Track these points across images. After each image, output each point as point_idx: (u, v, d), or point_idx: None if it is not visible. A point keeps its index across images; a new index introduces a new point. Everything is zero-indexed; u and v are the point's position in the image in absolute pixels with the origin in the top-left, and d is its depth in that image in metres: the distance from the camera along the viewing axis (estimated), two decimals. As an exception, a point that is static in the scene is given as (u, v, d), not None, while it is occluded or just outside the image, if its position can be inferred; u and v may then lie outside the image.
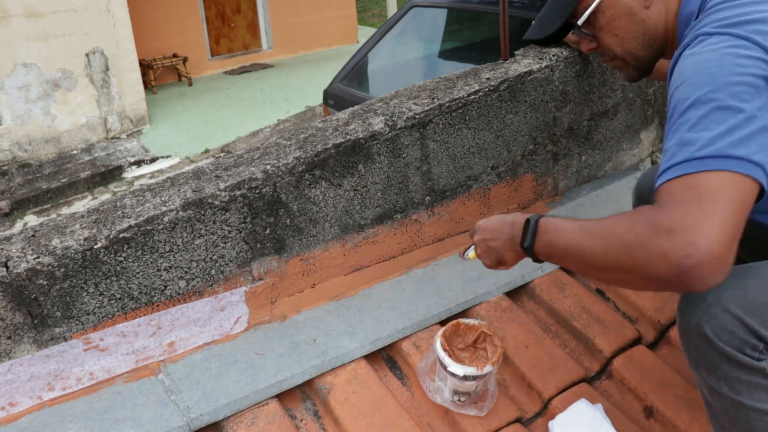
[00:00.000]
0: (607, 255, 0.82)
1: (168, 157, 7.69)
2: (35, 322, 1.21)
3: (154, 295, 1.32)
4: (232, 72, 10.66)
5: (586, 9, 1.06)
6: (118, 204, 1.33)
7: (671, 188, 0.79)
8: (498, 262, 1.10)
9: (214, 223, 1.34)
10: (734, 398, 0.90)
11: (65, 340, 1.25)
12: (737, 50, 0.83)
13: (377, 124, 1.52)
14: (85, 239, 1.22)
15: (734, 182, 0.76)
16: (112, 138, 8.19)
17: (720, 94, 0.80)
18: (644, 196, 1.29)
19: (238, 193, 1.35)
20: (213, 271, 1.38)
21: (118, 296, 1.28)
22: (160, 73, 9.67)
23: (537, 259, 0.98)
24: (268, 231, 1.42)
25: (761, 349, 0.86)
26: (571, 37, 1.16)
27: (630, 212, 0.83)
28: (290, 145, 1.48)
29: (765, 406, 0.89)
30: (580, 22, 1.07)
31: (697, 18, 0.96)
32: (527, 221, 0.98)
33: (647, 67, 1.12)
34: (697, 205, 0.74)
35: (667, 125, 0.86)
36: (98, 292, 1.25)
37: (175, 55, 9.95)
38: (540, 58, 1.75)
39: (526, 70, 1.69)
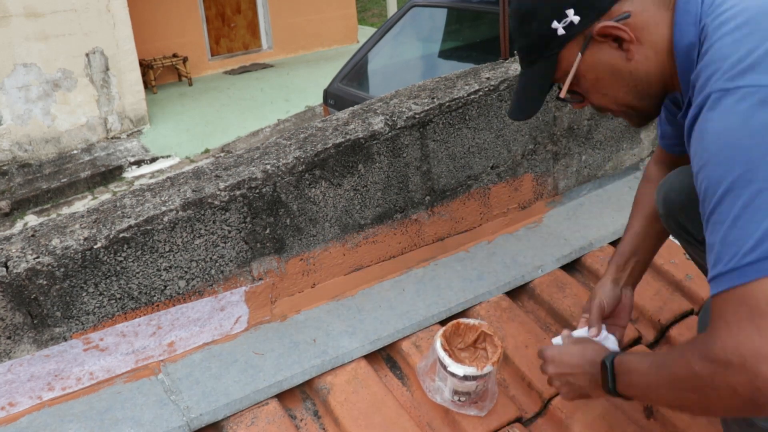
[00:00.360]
0: (682, 398, 0.79)
1: (168, 157, 7.69)
2: (35, 322, 1.21)
3: (154, 295, 1.32)
4: (232, 72, 10.67)
5: (565, 76, 0.94)
6: (118, 204, 1.33)
7: (722, 305, 0.71)
8: (581, 396, 1.07)
9: (213, 222, 1.34)
10: None
11: (65, 340, 1.25)
12: (764, 110, 0.70)
13: (377, 123, 1.52)
14: (85, 239, 1.22)
15: None
16: (112, 138, 8.19)
17: (759, 173, 0.69)
18: (673, 210, 1.16)
19: (238, 192, 1.35)
20: (213, 271, 1.38)
21: (118, 296, 1.28)
22: (160, 73, 9.67)
23: (627, 398, 0.95)
24: (268, 231, 1.42)
25: None
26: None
27: (686, 346, 0.78)
28: (290, 144, 1.48)
29: None
30: (562, 95, 0.97)
31: (699, 52, 0.83)
32: (603, 364, 0.95)
33: (651, 112, 1.01)
34: (751, 325, 0.67)
35: (702, 209, 0.77)
36: (98, 292, 1.25)
37: (175, 55, 9.95)
38: (540, 58, 1.75)
39: (526, 69, 1.69)
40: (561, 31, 0.91)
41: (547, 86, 0.99)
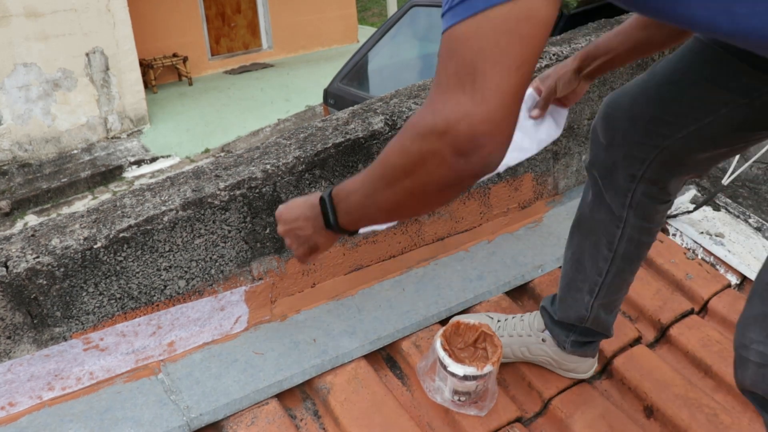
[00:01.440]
0: (397, 193, 0.70)
1: (168, 156, 7.69)
2: (35, 321, 1.21)
3: (154, 295, 1.32)
4: (232, 72, 10.67)
5: None
6: (118, 204, 1.33)
7: (439, 61, 0.64)
8: (311, 250, 0.97)
9: (213, 222, 1.34)
10: None
11: (65, 339, 1.25)
12: None
13: (377, 123, 1.52)
14: (85, 239, 1.22)
15: (491, 21, 0.60)
16: (112, 138, 8.19)
17: None
18: (620, 116, 1.12)
19: (238, 192, 1.35)
20: (213, 271, 1.38)
21: (118, 296, 1.28)
22: (160, 73, 9.67)
23: (350, 233, 0.86)
24: (268, 230, 1.42)
25: None
26: None
27: (398, 134, 0.70)
28: (290, 144, 1.48)
29: None
30: None
31: None
32: (321, 199, 0.86)
33: None
34: (457, 81, 0.62)
35: None
36: (98, 292, 1.25)
37: (175, 55, 9.95)
38: (540, 58, 1.75)
39: (526, 69, 1.68)
40: None
41: None
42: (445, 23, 0.65)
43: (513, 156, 1.19)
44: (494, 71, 0.61)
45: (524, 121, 1.24)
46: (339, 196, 0.84)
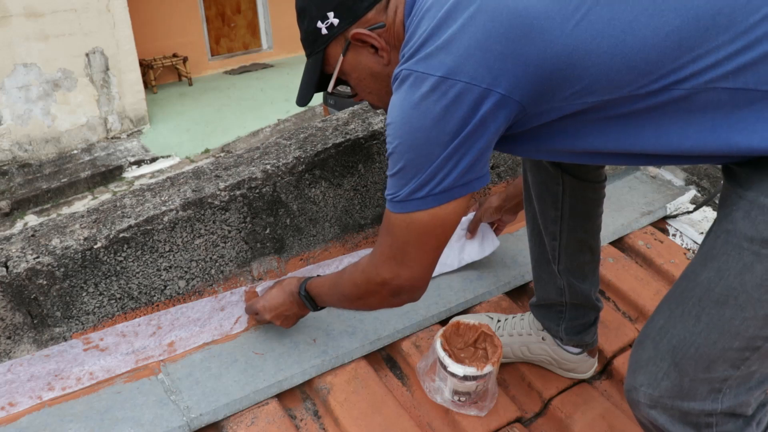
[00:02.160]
0: (354, 305, 1.11)
1: (168, 156, 7.69)
2: (35, 322, 1.21)
3: (154, 295, 1.32)
4: (232, 72, 10.67)
5: (332, 72, 1.04)
6: (118, 204, 1.33)
7: (382, 226, 0.98)
8: (297, 318, 1.32)
9: (213, 222, 1.34)
10: None
11: (65, 340, 1.25)
12: (412, 91, 0.85)
13: (377, 123, 1.52)
14: (85, 239, 1.22)
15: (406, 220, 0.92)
16: (112, 138, 8.19)
17: (405, 146, 0.88)
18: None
19: (238, 192, 1.35)
20: (213, 271, 1.38)
21: (118, 296, 1.28)
22: (160, 73, 9.68)
23: (319, 309, 1.26)
24: (268, 231, 1.42)
25: (714, 423, 0.86)
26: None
27: (353, 271, 1.06)
28: (290, 144, 1.48)
29: None
30: (329, 89, 1.07)
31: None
32: (300, 294, 1.24)
33: None
34: (389, 257, 0.97)
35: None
36: (98, 292, 1.25)
37: (175, 55, 9.95)
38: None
39: (526, 69, 1.69)
40: (324, 31, 0.99)
41: (315, 78, 1.06)
42: (387, 205, 0.94)
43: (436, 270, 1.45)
44: (416, 253, 0.94)
45: (454, 242, 1.58)
46: (312, 293, 1.22)
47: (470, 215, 1.60)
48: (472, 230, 1.58)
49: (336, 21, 0.97)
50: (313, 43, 1.02)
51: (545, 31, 0.79)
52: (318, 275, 1.25)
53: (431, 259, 0.95)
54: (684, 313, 0.85)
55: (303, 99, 1.10)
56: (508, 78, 0.80)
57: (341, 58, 1.01)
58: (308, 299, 1.22)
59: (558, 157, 0.97)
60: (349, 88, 1.09)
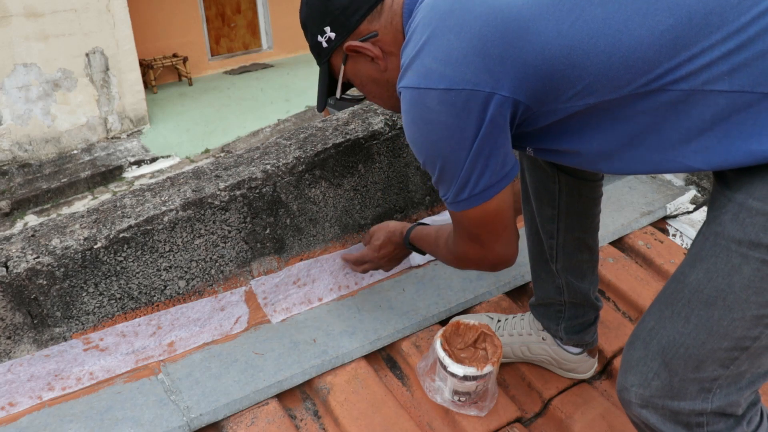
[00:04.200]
0: (451, 264, 1.16)
1: (168, 156, 7.69)
2: (35, 322, 1.21)
3: (154, 295, 1.32)
4: (232, 72, 10.67)
5: (338, 81, 1.09)
6: (118, 204, 1.33)
7: (457, 222, 1.04)
8: (397, 264, 1.43)
9: (213, 222, 1.34)
10: None
11: (65, 340, 1.25)
12: (414, 108, 0.90)
13: (377, 123, 1.52)
14: (85, 239, 1.22)
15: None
16: (112, 138, 8.19)
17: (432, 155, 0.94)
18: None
19: (238, 192, 1.35)
20: (213, 271, 1.38)
21: (118, 296, 1.28)
22: (160, 73, 9.68)
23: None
24: (268, 231, 1.42)
25: (705, 422, 0.87)
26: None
27: (445, 244, 1.13)
28: (290, 144, 1.48)
29: None
30: (338, 95, 1.13)
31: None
32: (404, 242, 1.33)
33: None
34: (472, 239, 1.02)
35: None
36: (98, 292, 1.25)
37: (175, 55, 9.95)
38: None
39: (526, 69, 1.69)
40: (324, 44, 1.05)
41: (325, 86, 1.12)
42: (449, 206, 0.99)
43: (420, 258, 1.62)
44: (489, 237, 1.00)
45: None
46: (415, 242, 1.30)
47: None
48: None
49: (333, 35, 1.02)
50: (318, 54, 1.08)
51: (540, 32, 0.81)
52: (418, 224, 1.32)
53: (507, 234, 1.00)
54: (674, 314, 0.86)
55: (320, 105, 1.17)
56: (509, 80, 0.83)
57: (342, 68, 1.06)
58: (414, 248, 1.32)
59: (565, 159, 0.99)
60: (358, 93, 1.16)
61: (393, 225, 1.39)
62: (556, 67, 0.82)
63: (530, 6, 0.82)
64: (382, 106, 1.15)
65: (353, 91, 1.19)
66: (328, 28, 1.02)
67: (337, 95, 1.12)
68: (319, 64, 1.11)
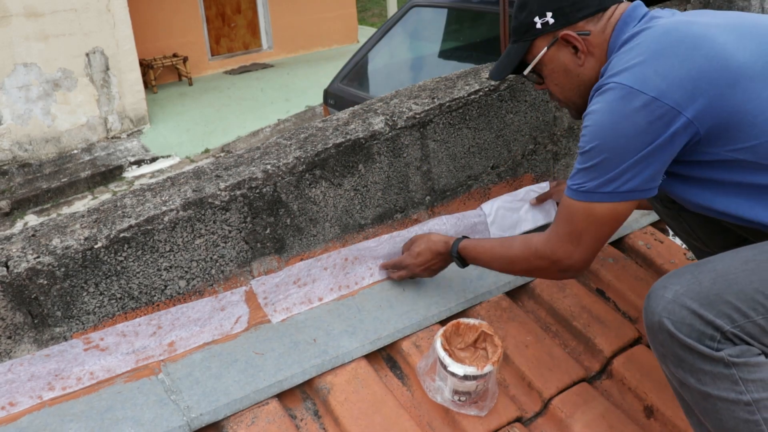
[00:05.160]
0: (511, 272, 1.32)
1: (168, 156, 7.68)
2: (35, 321, 1.21)
3: (155, 295, 1.32)
4: (232, 72, 10.65)
5: (533, 60, 1.22)
6: (119, 204, 1.33)
7: (563, 210, 1.15)
8: (436, 273, 1.51)
9: (214, 222, 1.34)
10: (701, 389, 0.96)
11: (65, 339, 1.25)
12: (622, 102, 1.02)
13: (377, 123, 1.52)
14: (86, 239, 1.22)
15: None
16: (112, 138, 8.18)
17: (607, 146, 1.04)
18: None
19: (238, 192, 1.35)
20: (213, 271, 1.38)
21: (119, 296, 1.28)
22: (160, 73, 9.67)
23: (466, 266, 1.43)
24: (268, 231, 1.42)
25: (719, 338, 0.93)
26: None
27: (525, 247, 1.22)
28: (290, 144, 1.48)
29: (729, 395, 0.93)
30: (525, 72, 1.25)
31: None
32: (451, 255, 1.42)
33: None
34: (571, 237, 1.13)
35: (580, 147, 1.09)
36: (98, 292, 1.25)
37: (175, 55, 9.94)
38: (540, 58, 1.75)
39: (526, 69, 1.69)
40: (539, 26, 1.18)
41: (516, 61, 1.25)
42: (569, 194, 1.10)
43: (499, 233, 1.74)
44: (590, 240, 1.11)
45: (518, 210, 1.75)
46: (466, 255, 1.38)
47: (543, 185, 1.79)
48: (540, 200, 1.74)
49: (552, 20, 1.16)
50: (524, 33, 1.21)
51: (747, 90, 0.97)
52: (466, 237, 1.42)
53: (600, 246, 1.12)
54: (736, 255, 1.00)
55: (499, 74, 1.30)
56: (704, 115, 0.98)
57: (545, 50, 1.19)
58: (459, 259, 1.40)
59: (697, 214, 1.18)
60: (535, 76, 1.27)
61: (435, 236, 1.47)
62: (744, 120, 0.97)
63: (751, 66, 0.98)
64: (556, 94, 1.26)
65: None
66: (550, 14, 1.16)
67: (525, 72, 1.24)
68: (515, 41, 1.24)
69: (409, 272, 1.49)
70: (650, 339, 1.02)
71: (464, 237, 1.41)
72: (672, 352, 0.98)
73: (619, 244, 1.76)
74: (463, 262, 1.40)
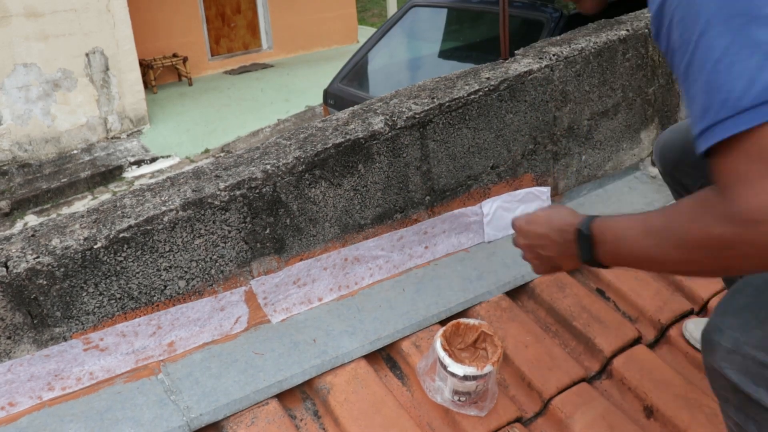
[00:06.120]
0: (689, 262, 0.73)
1: (168, 156, 7.68)
2: (35, 321, 1.21)
3: (154, 295, 1.32)
4: (232, 72, 10.66)
5: None
6: (118, 204, 1.33)
7: (727, 159, 0.65)
8: (553, 269, 1.02)
9: (213, 222, 1.34)
10: None
11: (65, 339, 1.25)
12: None
13: (377, 123, 1.52)
14: (85, 239, 1.22)
15: None
16: (112, 138, 8.18)
17: (736, 4, 0.63)
18: (669, 166, 1.29)
19: (238, 192, 1.35)
20: (213, 271, 1.38)
21: (118, 296, 1.28)
22: (160, 73, 9.67)
23: (603, 266, 0.88)
24: (268, 231, 1.42)
25: None
26: None
27: (695, 206, 0.71)
28: (290, 144, 1.48)
29: None
30: None
31: None
32: (578, 231, 0.88)
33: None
34: None
35: (678, 68, 0.70)
36: (98, 292, 1.25)
37: (175, 55, 9.94)
38: (540, 58, 1.75)
39: (525, 69, 1.69)
40: None
41: None
42: (738, 128, 0.64)
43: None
44: (760, 174, 0.62)
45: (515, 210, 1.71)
46: (603, 236, 0.85)
47: (543, 189, 1.77)
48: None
49: None
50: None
51: None
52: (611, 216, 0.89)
53: None
54: None
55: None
56: None
57: None
58: (589, 244, 0.87)
59: None
60: None
61: (564, 208, 0.99)
62: None
63: None
64: None
65: None
66: None
67: None
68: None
69: (519, 246, 1.07)
70: (710, 381, 0.89)
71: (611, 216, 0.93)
72: (733, 399, 0.86)
73: (619, 244, 1.76)
74: (591, 251, 0.87)
